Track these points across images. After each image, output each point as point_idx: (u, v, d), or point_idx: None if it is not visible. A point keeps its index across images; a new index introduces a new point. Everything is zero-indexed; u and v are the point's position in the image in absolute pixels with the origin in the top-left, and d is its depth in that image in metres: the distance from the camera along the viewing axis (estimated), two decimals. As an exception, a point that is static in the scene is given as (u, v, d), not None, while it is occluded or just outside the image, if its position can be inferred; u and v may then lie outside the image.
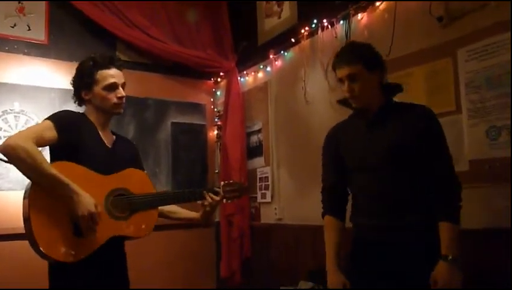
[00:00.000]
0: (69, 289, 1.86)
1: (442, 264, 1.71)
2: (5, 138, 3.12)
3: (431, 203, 1.81)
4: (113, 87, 2.02)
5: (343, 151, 2.01)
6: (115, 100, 2.02)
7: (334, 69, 1.96)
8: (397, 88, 1.96)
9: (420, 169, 1.82)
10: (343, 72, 1.88)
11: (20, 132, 1.85)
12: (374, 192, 1.88)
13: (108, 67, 2.03)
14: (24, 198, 1.80)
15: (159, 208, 2.12)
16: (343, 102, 2.05)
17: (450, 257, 1.71)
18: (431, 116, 1.85)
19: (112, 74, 2.03)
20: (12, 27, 3.48)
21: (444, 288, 1.68)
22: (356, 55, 1.88)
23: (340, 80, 1.92)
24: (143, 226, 2.01)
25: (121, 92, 2.04)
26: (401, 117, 1.87)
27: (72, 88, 2.08)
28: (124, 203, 1.97)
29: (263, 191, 3.69)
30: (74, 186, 1.78)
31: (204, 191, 2.18)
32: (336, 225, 2.03)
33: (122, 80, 2.06)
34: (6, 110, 3.36)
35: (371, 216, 1.88)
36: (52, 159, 1.89)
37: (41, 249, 1.73)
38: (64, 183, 1.76)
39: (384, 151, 1.85)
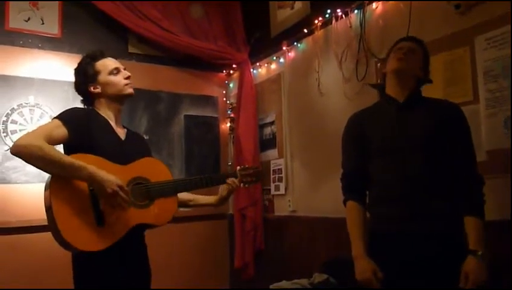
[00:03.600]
0: (93, 279, 1.88)
1: (473, 260, 1.70)
2: (21, 132, 3.25)
3: (454, 195, 1.80)
4: (117, 70, 2.08)
5: (369, 134, 1.97)
6: (123, 81, 2.07)
7: (397, 42, 2.01)
8: (427, 79, 2.00)
9: (444, 159, 1.82)
10: (408, 44, 1.96)
11: (28, 132, 1.86)
12: (401, 175, 1.84)
13: (104, 57, 2.10)
14: (45, 189, 1.81)
15: (178, 197, 2.13)
16: (373, 85, 2.15)
17: (480, 252, 1.70)
18: (460, 113, 1.89)
19: (111, 61, 2.10)
20: (26, 21, 3.50)
21: (475, 283, 1.67)
22: (423, 45, 2.01)
23: (399, 48, 1.96)
24: (164, 214, 2.02)
25: (126, 73, 2.10)
26: (431, 108, 1.89)
27: (76, 90, 2.11)
28: (143, 192, 1.97)
29: (277, 183, 3.68)
30: (93, 167, 1.78)
31: (221, 176, 2.22)
32: (360, 211, 1.97)
33: (122, 66, 2.12)
34: (21, 104, 3.39)
35: (395, 203, 1.84)
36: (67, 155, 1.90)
37: (64, 238, 1.74)
38: (83, 167, 1.77)
39: (417, 135, 1.84)
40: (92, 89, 2.04)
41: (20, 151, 1.76)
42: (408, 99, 1.91)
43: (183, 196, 2.23)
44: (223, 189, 2.26)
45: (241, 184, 2.28)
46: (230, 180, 2.24)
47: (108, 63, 2.08)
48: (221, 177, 2.29)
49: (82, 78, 2.06)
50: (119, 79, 2.06)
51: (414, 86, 1.94)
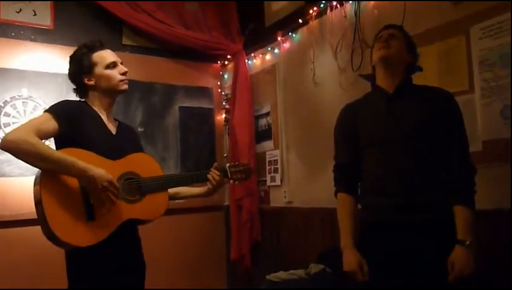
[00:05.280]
0: (86, 274, 1.87)
1: (460, 249, 1.70)
2: (14, 124, 3.22)
3: (445, 184, 1.80)
4: (113, 65, 2.03)
5: (360, 127, 1.97)
6: (119, 77, 2.03)
7: (376, 34, 2.00)
8: (417, 67, 1.98)
9: (437, 149, 1.81)
10: (386, 31, 1.95)
11: (18, 126, 1.83)
12: (393, 167, 1.83)
13: (102, 49, 2.04)
14: (35, 184, 1.80)
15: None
16: (364, 76, 2.12)
17: (467, 242, 1.70)
18: (453, 100, 1.87)
19: (109, 54, 2.05)
20: (18, 12, 3.45)
21: (460, 273, 1.67)
22: (402, 30, 2.00)
23: (379, 37, 1.95)
24: (155, 209, 2.01)
25: (122, 68, 2.05)
26: (423, 96, 1.88)
27: (70, 79, 2.06)
28: (134, 187, 1.96)
29: (272, 175, 3.68)
30: (82, 162, 1.76)
31: (211, 171, 2.17)
32: (351, 202, 1.99)
33: (119, 59, 2.07)
34: (14, 97, 3.36)
35: (387, 194, 1.84)
36: (58, 149, 1.88)
37: (54, 233, 1.73)
38: (72, 162, 1.75)
39: (407, 125, 1.83)
40: (86, 80, 2.00)
41: (9, 146, 1.74)
42: (397, 89, 1.90)
43: (170, 189, 2.20)
44: (210, 183, 2.20)
45: (232, 181, 2.27)
46: (210, 175, 2.18)
47: (105, 56, 2.02)
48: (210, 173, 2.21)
49: (77, 68, 2.01)
50: (115, 74, 2.01)
51: (404, 74, 1.92)
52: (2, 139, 1.76)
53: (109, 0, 3.68)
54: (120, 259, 1.93)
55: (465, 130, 1.85)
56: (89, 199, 1.81)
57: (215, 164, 2.25)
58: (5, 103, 3.33)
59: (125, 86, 2.05)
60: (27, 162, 1.77)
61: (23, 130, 1.78)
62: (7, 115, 3.32)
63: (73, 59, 2.03)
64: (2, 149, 1.76)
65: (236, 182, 2.32)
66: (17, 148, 1.73)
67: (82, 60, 1.99)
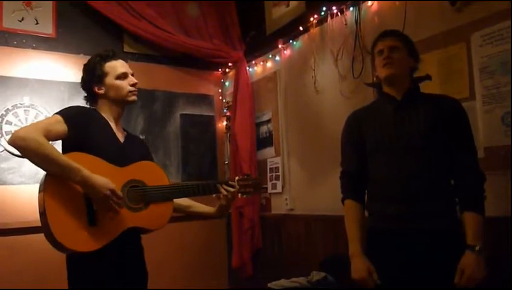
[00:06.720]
0: (87, 280, 1.86)
1: (470, 255, 1.70)
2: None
3: (454, 191, 1.81)
4: (124, 76, 2.05)
5: (366, 133, 1.96)
6: (129, 88, 2.05)
7: (375, 44, 1.99)
8: (425, 76, 1.98)
9: (444, 156, 1.82)
10: (385, 43, 1.93)
11: (28, 125, 1.85)
12: (399, 174, 1.83)
13: (114, 59, 2.07)
14: (39, 191, 1.80)
15: (177, 202, 2.11)
16: (371, 84, 2.14)
17: (477, 248, 1.70)
18: (460, 107, 1.88)
19: (120, 64, 2.08)
20: (20, 21, 3.48)
21: (471, 278, 1.67)
22: (400, 35, 1.98)
23: (380, 52, 1.94)
24: (159, 218, 2.00)
25: (132, 79, 2.08)
26: (430, 104, 1.88)
27: (81, 87, 2.09)
28: (139, 195, 1.95)
29: (274, 182, 3.68)
30: (87, 170, 1.77)
31: (218, 185, 2.15)
32: (358, 210, 1.97)
33: (130, 70, 2.10)
34: (16, 105, 3.37)
35: (393, 201, 1.84)
36: (65, 152, 1.88)
37: (58, 240, 1.73)
38: (76, 169, 1.75)
39: (415, 133, 1.83)
40: (96, 89, 2.03)
41: (18, 143, 1.74)
42: (405, 97, 1.90)
43: (182, 201, 2.20)
44: (222, 199, 2.17)
45: (239, 194, 2.21)
46: (222, 188, 2.13)
47: (117, 66, 2.05)
48: (217, 186, 2.16)
49: (89, 77, 2.05)
50: (125, 85, 2.04)
51: (410, 79, 1.93)
52: (12, 135, 1.76)
53: (107, 0, 3.72)
54: (122, 267, 1.92)
55: (473, 137, 1.85)
56: (91, 205, 1.81)
57: (223, 180, 2.20)
58: (7, 111, 3.34)
59: (134, 97, 2.08)
60: (31, 161, 1.77)
61: (33, 128, 1.79)
62: (9, 123, 3.33)
63: (86, 68, 2.08)
64: (10, 144, 1.77)
65: (245, 196, 2.27)
66: (25, 145, 1.74)
67: (94, 69, 2.03)
